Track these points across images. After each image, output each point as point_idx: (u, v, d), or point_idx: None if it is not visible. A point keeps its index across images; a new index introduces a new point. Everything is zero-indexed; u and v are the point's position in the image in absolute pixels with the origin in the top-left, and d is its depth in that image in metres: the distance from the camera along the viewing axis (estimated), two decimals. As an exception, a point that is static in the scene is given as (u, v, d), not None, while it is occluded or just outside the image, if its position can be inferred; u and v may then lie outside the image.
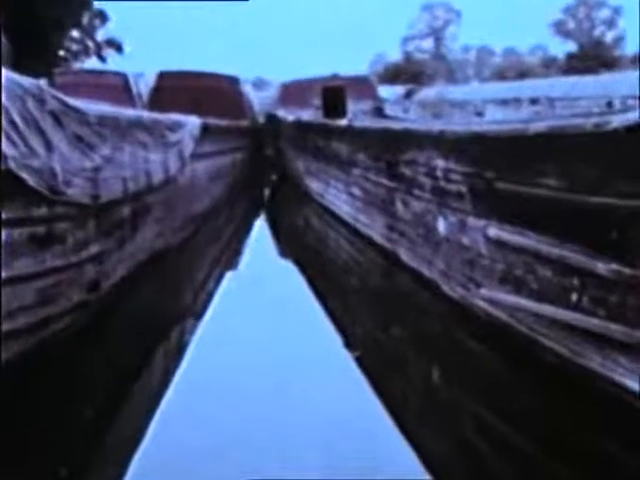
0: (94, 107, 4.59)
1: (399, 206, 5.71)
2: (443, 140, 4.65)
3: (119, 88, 13.54)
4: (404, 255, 5.62)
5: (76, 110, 4.06)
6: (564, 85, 15.00)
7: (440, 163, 4.65)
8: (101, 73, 15.24)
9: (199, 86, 13.99)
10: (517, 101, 13.83)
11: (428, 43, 53.46)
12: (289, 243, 8.07)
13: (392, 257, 5.89)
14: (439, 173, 4.68)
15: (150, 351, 4.14)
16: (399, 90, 24.08)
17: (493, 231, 3.92)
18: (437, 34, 53.28)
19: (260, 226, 9.53)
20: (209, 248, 7.56)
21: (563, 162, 3.19)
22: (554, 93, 13.33)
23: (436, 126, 5.18)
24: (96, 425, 3.18)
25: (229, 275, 6.25)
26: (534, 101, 13.29)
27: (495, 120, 8.64)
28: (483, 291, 4.08)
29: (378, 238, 6.42)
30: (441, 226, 4.76)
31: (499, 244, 3.87)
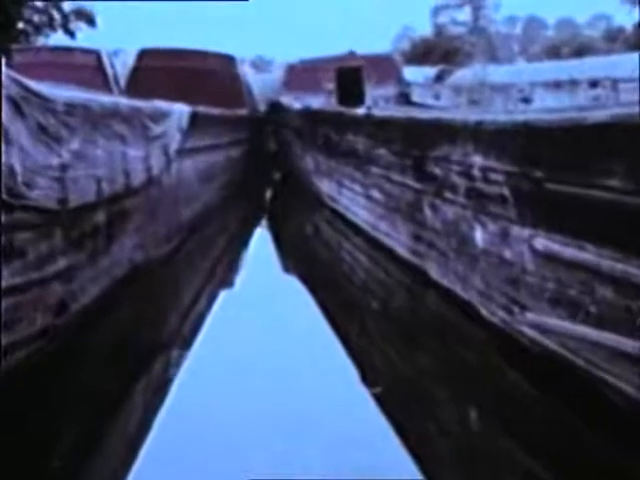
0: (61, 92, 4.62)
1: (427, 212, 5.72)
2: (482, 132, 4.67)
3: (91, 69, 13.64)
4: (433, 271, 5.63)
5: (39, 96, 4.08)
6: (631, 63, 14.92)
7: (477, 160, 4.66)
8: (69, 50, 15.29)
9: (187, 67, 14.08)
10: (573, 84, 13.78)
11: (464, 14, 53.33)
12: (295, 256, 8.09)
13: (419, 273, 5.90)
14: (476, 172, 4.69)
15: (129, 385, 4.16)
16: (429, 71, 24.08)
17: (542, 242, 3.93)
18: (475, 3, 53.18)
19: (260, 235, 9.56)
20: (199, 262, 7.59)
21: (628, 159, 3.19)
22: (618, 73, 13.26)
23: (473, 115, 5.20)
24: (67, 471, 3.20)
25: (223, 294, 6.27)
26: (594, 84, 13.24)
27: (546, 108, 8.65)
28: (530, 315, 4.08)
29: (402, 251, 6.43)
30: (478, 236, 4.77)
31: (549, 258, 3.87)
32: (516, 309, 4.22)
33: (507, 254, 4.35)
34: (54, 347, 4.24)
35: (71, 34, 28.00)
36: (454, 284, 5.19)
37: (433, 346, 4.77)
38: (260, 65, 35.18)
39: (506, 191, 4.27)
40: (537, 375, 3.94)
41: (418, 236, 6.00)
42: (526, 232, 4.09)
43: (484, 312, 4.66)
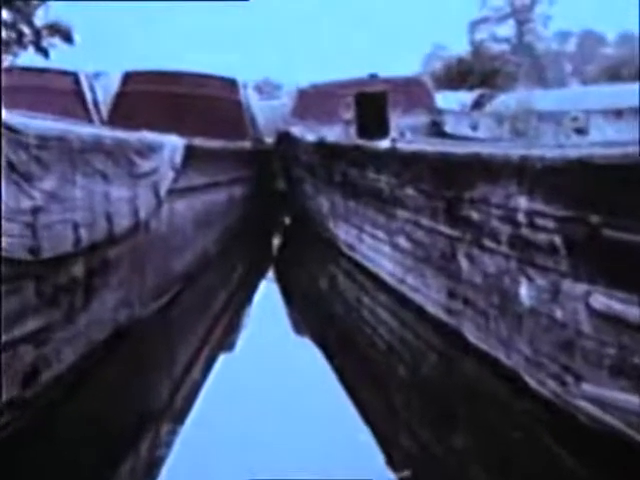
0: (33, 122, 4.66)
1: (463, 263, 5.74)
2: (527, 170, 4.69)
3: (68, 93, 13.76)
4: (471, 333, 5.63)
5: (7, 127, 4.13)
6: None
7: (523, 203, 4.68)
8: (42, 72, 15.42)
9: (180, 92, 14.19)
10: (636, 112, 13.80)
11: (507, 29, 53.67)
12: (307, 313, 8.09)
13: (453, 336, 5.90)
14: (521, 217, 4.71)
15: (111, 469, 4.16)
16: (465, 97, 24.19)
17: (600, 300, 3.93)
18: (520, 15, 53.49)
19: (267, 289, 9.58)
20: (195, 321, 7.60)
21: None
22: (691, 99, 13.31)
23: (517, 149, 5.22)
24: None
25: (222, 359, 6.28)
26: (661, 112, 13.27)
27: (604, 140, 8.68)
28: (586, 387, 4.08)
29: (433, 309, 6.43)
30: (524, 292, 4.77)
31: (609, 319, 3.87)
32: (570, 379, 4.22)
33: (558, 314, 4.35)
34: (21, 424, 4.25)
35: (44, 52, 28.13)
36: (495, 349, 5.19)
37: (470, 422, 4.76)
38: (266, 90, 35.40)
39: (557, 239, 4.29)
40: (595, 457, 3.92)
41: (452, 292, 6.01)
42: (581, 288, 4.10)
43: (531, 382, 4.66)
